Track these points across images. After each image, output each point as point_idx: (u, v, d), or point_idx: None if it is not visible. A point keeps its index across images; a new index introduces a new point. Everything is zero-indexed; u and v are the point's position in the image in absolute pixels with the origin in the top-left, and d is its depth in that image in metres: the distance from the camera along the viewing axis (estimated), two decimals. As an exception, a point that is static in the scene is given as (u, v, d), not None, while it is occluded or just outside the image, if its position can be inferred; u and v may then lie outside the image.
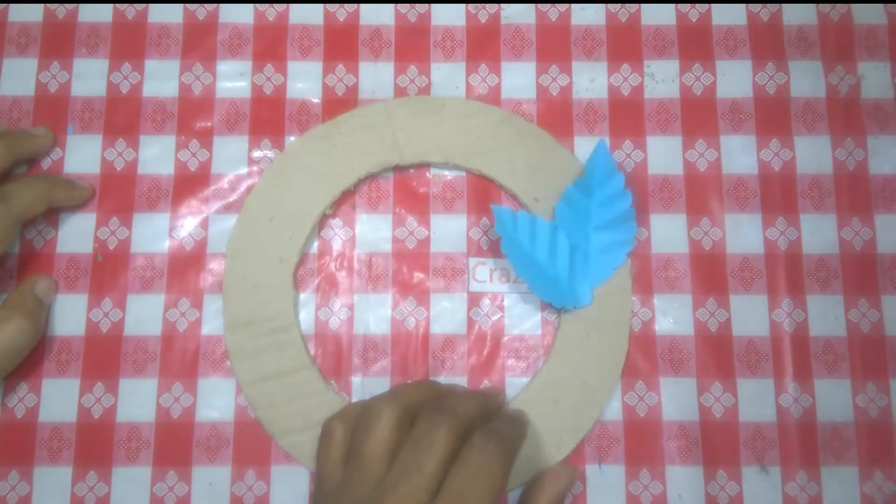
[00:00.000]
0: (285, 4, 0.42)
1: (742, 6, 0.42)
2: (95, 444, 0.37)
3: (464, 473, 0.30)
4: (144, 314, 0.39)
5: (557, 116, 0.41)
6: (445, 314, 0.39)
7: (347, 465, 0.33)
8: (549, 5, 0.42)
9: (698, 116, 0.41)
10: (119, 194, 0.40)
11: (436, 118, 0.41)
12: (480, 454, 0.30)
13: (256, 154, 0.41)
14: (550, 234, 0.39)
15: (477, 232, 0.40)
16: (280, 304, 0.39)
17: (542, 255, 0.38)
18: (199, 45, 0.42)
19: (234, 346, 0.38)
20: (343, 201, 0.40)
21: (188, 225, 0.40)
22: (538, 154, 0.40)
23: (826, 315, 0.39)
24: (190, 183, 0.40)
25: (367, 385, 0.39)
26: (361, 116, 0.41)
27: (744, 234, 0.40)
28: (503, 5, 0.42)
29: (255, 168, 0.40)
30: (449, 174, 0.41)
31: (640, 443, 0.38)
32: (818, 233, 0.40)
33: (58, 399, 0.38)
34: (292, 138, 0.41)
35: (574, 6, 0.42)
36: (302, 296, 0.39)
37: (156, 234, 0.40)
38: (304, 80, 0.41)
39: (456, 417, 0.32)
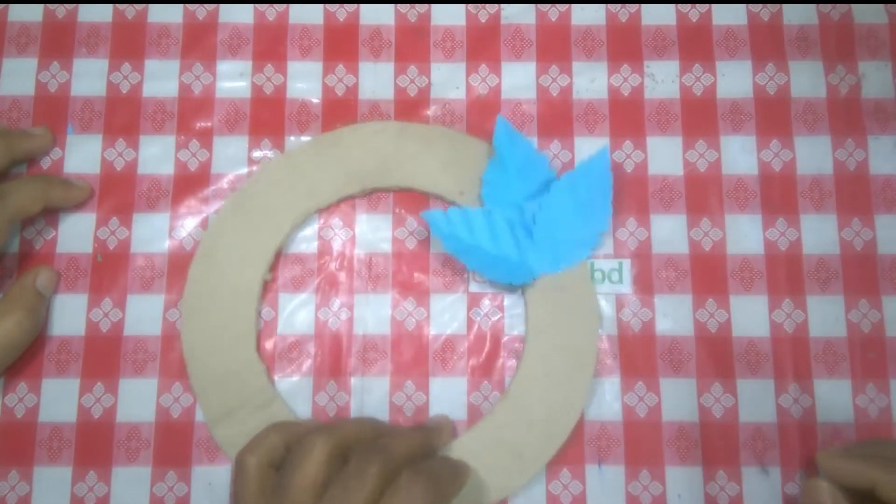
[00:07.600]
0: (285, 4, 0.42)
1: (742, 6, 0.42)
2: (95, 444, 0.37)
3: None
4: (144, 314, 0.39)
5: (557, 117, 0.41)
6: (445, 314, 0.39)
7: (272, 498, 0.31)
8: (549, 5, 0.42)
9: (698, 117, 0.41)
10: (119, 194, 0.40)
11: (338, 152, 0.40)
12: (405, 493, 0.29)
13: (256, 154, 0.41)
14: (485, 218, 0.39)
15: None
16: (254, 383, 0.38)
17: (484, 240, 0.38)
18: (199, 45, 0.42)
19: (225, 438, 0.37)
20: (343, 201, 0.40)
21: (188, 225, 0.40)
22: (447, 150, 0.40)
23: (826, 316, 0.39)
24: (190, 183, 0.40)
25: (366, 385, 0.38)
26: (266, 174, 0.40)
27: (744, 234, 0.40)
28: (503, 5, 0.42)
29: (254, 168, 0.40)
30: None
31: (640, 443, 0.38)
32: (818, 233, 0.40)
33: (58, 399, 0.38)
34: (292, 138, 0.41)
35: (574, 6, 0.42)
36: (302, 296, 0.39)
37: (156, 234, 0.40)
38: (304, 80, 0.41)
39: (389, 457, 0.31)
